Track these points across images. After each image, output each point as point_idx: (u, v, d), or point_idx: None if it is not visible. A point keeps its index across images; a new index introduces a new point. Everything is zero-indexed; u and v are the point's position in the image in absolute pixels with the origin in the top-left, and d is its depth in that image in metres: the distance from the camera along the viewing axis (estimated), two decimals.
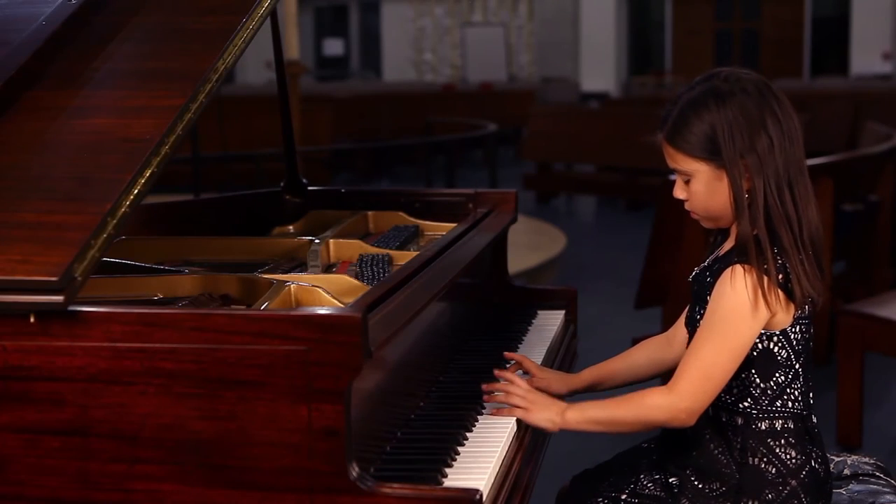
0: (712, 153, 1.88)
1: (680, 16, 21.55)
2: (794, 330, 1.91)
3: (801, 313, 1.91)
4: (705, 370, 1.85)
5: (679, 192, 1.96)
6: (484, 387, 2.00)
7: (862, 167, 5.66)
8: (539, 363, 2.24)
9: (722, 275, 1.88)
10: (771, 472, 1.90)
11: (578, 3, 21.49)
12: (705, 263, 2.00)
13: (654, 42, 22.18)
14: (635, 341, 4.97)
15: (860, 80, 17.03)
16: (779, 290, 1.86)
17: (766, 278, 1.84)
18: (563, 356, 2.49)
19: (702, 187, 1.91)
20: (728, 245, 1.96)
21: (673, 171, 1.96)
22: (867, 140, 7.10)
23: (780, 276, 1.86)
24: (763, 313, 1.86)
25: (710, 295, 1.90)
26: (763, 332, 1.89)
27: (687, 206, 1.97)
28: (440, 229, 2.60)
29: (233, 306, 1.98)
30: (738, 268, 1.86)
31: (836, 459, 2.16)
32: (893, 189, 5.79)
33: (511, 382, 1.98)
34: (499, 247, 2.71)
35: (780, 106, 1.89)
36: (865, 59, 18.84)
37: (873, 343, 4.07)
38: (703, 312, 1.92)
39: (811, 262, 1.88)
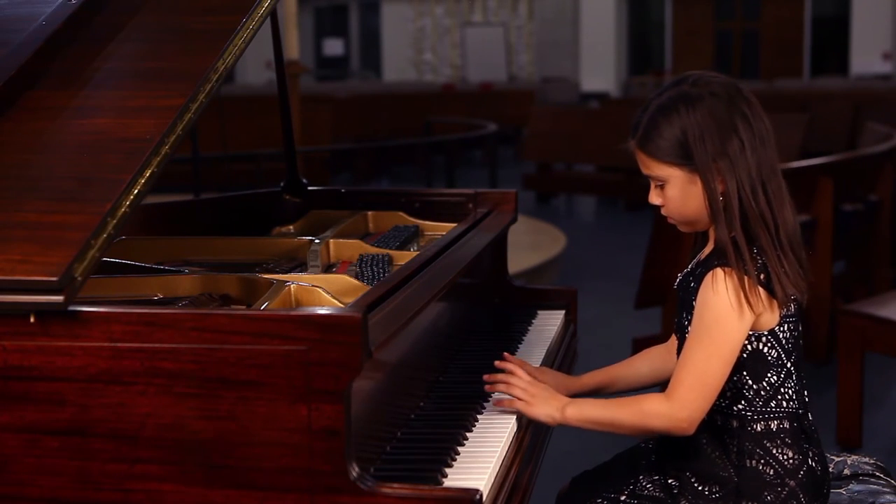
0: (684, 158, 1.88)
1: (680, 16, 21.56)
2: (781, 329, 1.91)
3: (786, 311, 1.91)
4: (700, 377, 1.86)
5: (654, 198, 1.96)
6: (486, 377, 2.01)
7: (862, 167, 5.66)
8: (539, 363, 2.24)
9: (704, 280, 1.88)
10: (769, 474, 1.90)
11: (578, 3, 21.49)
12: (688, 269, 2.00)
13: (654, 42, 22.19)
14: (635, 341, 4.98)
15: (860, 80, 17.03)
16: (761, 290, 1.86)
17: (746, 279, 1.84)
18: (564, 356, 2.48)
19: (676, 192, 1.91)
20: (708, 249, 1.96)
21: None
22: (867, 140, 7.10)
23: (762, 276, 1.86)
24: (748, 314, 1.86)
25: (695, 300, 1.90)
26: (751, 333, 1.89)
27: (663, 211, 1.97)
28: (440, 229, 2.60)
29: (233, 306, 1.98)
30: (719, 271, 1.86)
31: (836, 459, 2.16)
32: (893, 189, 5.79)
33: (513, 374, 1.98)
34: (499, 247, 2.71)
35: (749, 108, 1.89)
36: (865, 59, 18.85)
37: (873, 343, 4.07)
38: (691, 318, 1.92)
39: (790, 261, 1.88)
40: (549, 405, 1.93)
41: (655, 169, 1.92)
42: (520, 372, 2.00)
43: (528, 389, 1.95)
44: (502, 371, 2.02)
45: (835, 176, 4.99)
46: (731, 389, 1.92)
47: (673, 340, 2.16)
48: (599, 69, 21.17)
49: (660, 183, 1.93)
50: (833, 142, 9.42)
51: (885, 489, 2.09)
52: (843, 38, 19.65)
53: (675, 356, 2.11)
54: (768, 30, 20.91)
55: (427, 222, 2.67)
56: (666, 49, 21.76)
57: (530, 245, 7.10)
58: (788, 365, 1.93)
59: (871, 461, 2.18)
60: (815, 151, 7.41)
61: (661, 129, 1.88)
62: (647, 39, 22.32)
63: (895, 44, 18.78)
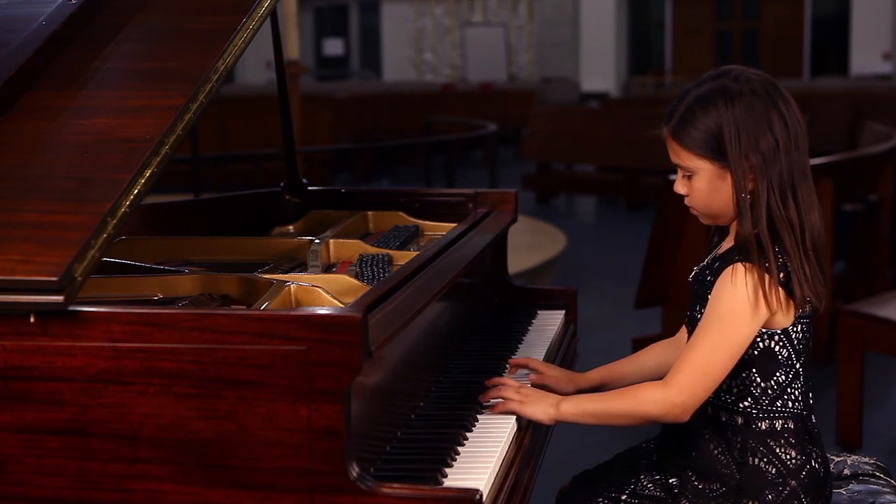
0: (717, 152, 1.87)
1: (680, 16, 21.56)
2: (795, 329, 1.91)
3: (801, 312, 1.90)
4: (702, 366, 1.85)
5: (680, 188, 1.95)
6: (481, 396, 2.01)
7: (862, 167, 5.66)
8: (556, 382, 2.24)
9: (723, 272, 1.88)
10: (771, 473, 1.90)
11: (578, 3, 21.49)
12: (705, 262, 2.00)
13: (654, 42, 22.19)
14: (635, 341, 4.98)
15: (860, 80, 17.03)
16: (780, 289, 1.85)
17: (767, 276, 1.84)
18: (564, 356, 2.48)
19: (704, 185, 1.91)
20: (727, 244, 1.96)
21: (674, 168, 1.96)
22: (867, 140, 7.10)
23: (781, 275, 1.85)
24: (763, 312, 1.85)
25: (710, 293, 1.90)
26: (764, 330, 1.89)
27: (687, 201, 1.96)
28: (440, 229, 2.60)
29: (232, 306, 1.98)
30: (740, 266, 1.85)
31: (836, 459, 2.16)
32: (893, 189, 5.79)
33: (502, 382, 1.98)
34: (499, 247, 2.71)
35: (787, 108, 1.88)
36: (865, 59, 18.85)
37: (873, 343, 4.07)
38: (703, 312, 1.91)
39: (813, 267, 1.87)
40: (542, 402, 1.92)
41: (686, 159, 1.91)
42: (508, 380, 1.99)
43: (521, 390, 1.95)
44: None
45: (835, 176, 4.99)
46: (738, 386, 1.92)
47: (680, 334, 2.17)
48: (599, 69, 21.18)
49: (688, 173, 1.93)
50: (833, 142, 9.41)
51: (885, 489, 2.09)
52: (843, 38, 19.65)
53: (682, 350, 2.12)
54: (768, 30, 20.91)
55: (427, 222, 2.67)
56: (666, 49, 21.76)
57: (530, 245, 7.10)
58: (797, 366, 1.93)
59: (871, 461, 2.18)
60: (815, 151, 7.40)
61: (696, 121, 1.88)
62: (647, 39, 22.32)
63: (895, 44, 18.78)
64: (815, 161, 5.13)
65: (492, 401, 1.97)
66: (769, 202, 1.85)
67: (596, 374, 2.20)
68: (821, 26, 20.41)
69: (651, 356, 2.22)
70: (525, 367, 2.18)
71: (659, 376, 2.18)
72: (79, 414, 1.54)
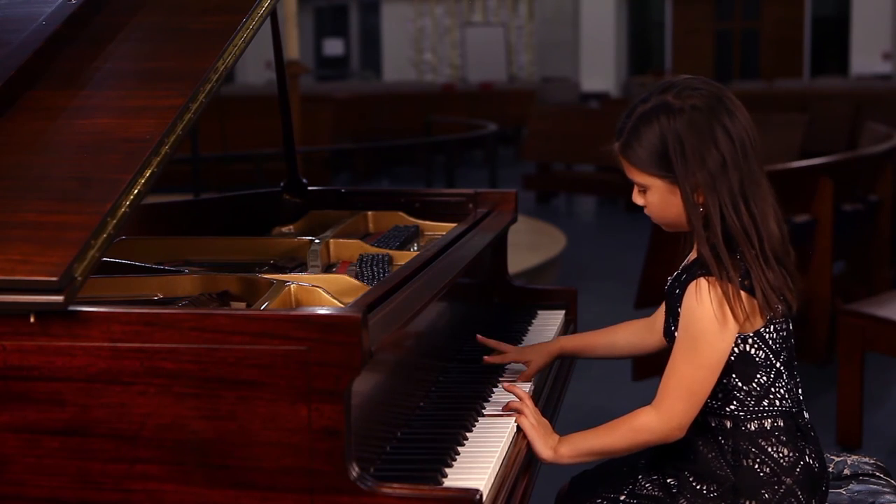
0: (664, 169, 1.87)
1: (680, 16, 21.55)
2: (767, 330, 1.90)
3: (772, 315, 1.90)
4: (687, 387, 1.87)
5: (637, 199, 1.97)
6: (506, 386, 2.04)
7: (862, 167, 5.66)
8: (538, 363, 2.25)
9: (687, 289, 1.88)
10: (765, 472, 1.90)
11: (578, 3, 21.49)
12: (677, 272, 2.00)
13: (654, 42, 22.19)
14: None
15: (860, 80, 17.02)
16: (744, 294, 1.85)
17: (730, 286, 1.84)
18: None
19: (656, 200, 1.92)
20: (693, 255, 1.96)
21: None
22: (867, 140, 7.10)
23: (746, 282, 1.85)
24: (732, 323, 1.85)
25: (680, 307, 1.91)
26: (737, 335, 1.89)
27: (646, 211, 1.97)
28: (440, 229, 2.60)
29: (232, 303, 1.98)
30: (703, 281, 1.85)
31: (836, 459, 2.16)
32: (893, 189, 5.79)
33: (526, 401, 1.98)
34: (499, 247, 2.71)
35: (732, 120, 1.86)
36: (865, 59, 18.85)
37: (873, 343, 4.07)
38: (677, 324, 1.92)
39: (776, 273, 1.87)
40: (545, 444, 1.93)
41: (637, 176, 1.92)
42: (531, 405, 1.99)
43: (535, 425, 1.95)
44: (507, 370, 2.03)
45: (835, 176, 4.98)
46: (722, 391, 1.92)
47: (652, 318, 2.22)
48: (599, 69, 21.17)
49: (641, 188, 1.94)
50: (833, 142, 9.41)
51: (885, 489, 2.10)
52: (843, 38, 19.65)
53: (654, 334, 2.20)
54: (768, 30, 20.91)
55: (427, 222, 2.67)
56: (666, 49, 21.76)
57: (530, 245, 7.09)
58: (778, 365, 1.93)
59: (871, 461, 2.18)
60: (815, 151, 7.40)
61: (641, 139, 1.88)
62: (647, 39, 22.31)
63: (895, 44, 18.78)
64: (815, 161, 5.14)
65: (505, 404, 1.98)
66: (723, 216, 1.85)
67: (568, 344, 2.29)
68: (821, 26, 20.41)
69: (623, 335, 2.28)
70: (498, 348, 2.24)
71: (627, 354, 2.29)
72: (79, 414, 1.54)
